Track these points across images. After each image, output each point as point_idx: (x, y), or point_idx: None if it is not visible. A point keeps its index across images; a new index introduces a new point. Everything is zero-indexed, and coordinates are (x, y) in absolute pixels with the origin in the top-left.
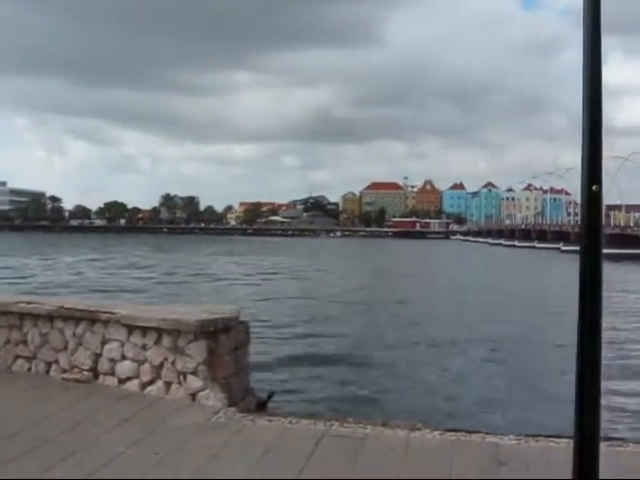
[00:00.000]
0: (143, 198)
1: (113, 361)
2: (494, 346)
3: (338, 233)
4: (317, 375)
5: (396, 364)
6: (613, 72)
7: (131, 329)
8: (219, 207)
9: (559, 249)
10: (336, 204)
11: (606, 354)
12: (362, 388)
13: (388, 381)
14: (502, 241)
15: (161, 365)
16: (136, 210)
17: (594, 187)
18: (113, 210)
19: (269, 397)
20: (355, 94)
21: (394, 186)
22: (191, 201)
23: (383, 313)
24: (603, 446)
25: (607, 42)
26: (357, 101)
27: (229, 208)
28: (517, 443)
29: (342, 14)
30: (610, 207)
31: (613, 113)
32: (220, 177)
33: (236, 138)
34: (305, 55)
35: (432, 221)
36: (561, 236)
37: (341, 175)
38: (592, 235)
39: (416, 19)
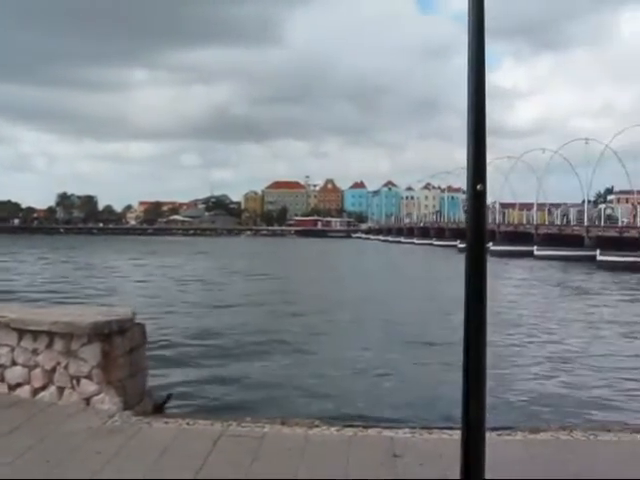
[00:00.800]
0: (39, 197)
1: (2, 367)
2: (387, 339)
3: (248, 232)
4: (217, 376)
5: (294, 364)
6: (505, 76)
7: (22, 333)
8: (118, 207)
9: (456, 247)
10: (238, 203)
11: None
12: (263, 388)
13: (289, 380)
14: (401, 239)
15: (53, 370)
16: (31, 210)
17: (479, 186)
18: (6, 210)
19: (167, 399)
20: (256, 93)
21: (296, 185)
22: (89, 200)
23: (276, 310)
24: (493, 435)
25: (499, 47)
26: (258, 100)
27: (129, 207)
28: (412, 436)
29: (242, 13)
30: (504, 205)
31: (506, 115)
32: (119, 176)
33: (135, 136)
34: (204, 53)
35: (334, 220)
36: (458, 233)
37: (243, 174)
38: (477, 232)
39: (316, 19)
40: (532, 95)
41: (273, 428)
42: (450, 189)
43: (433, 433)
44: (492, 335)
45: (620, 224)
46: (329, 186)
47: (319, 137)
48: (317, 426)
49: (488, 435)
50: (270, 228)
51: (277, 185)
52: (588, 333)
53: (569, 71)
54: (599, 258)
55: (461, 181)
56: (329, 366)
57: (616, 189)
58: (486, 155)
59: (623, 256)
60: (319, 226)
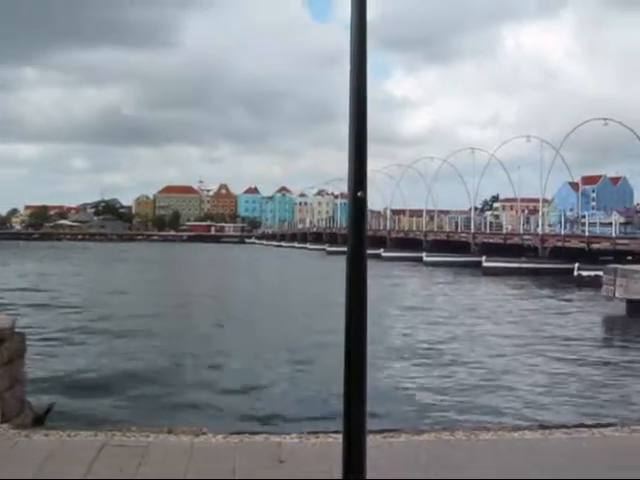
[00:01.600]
0: None
1: None
2: (278, 348)
3: (139, 237)
4: (100, 386)
5: (178, 373)
6: (397, 85)
7: None
8: (2, 210)
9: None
10: (129, 208)
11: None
12: (149, 397)
13: (176, 389)
14: (295, 244)
15: None
16: None
17: (359, 193)
18: None
19: (47, 411)
20: (150, 96)
21: (189, 190)
22: None
23: (163, 321)
24: (378, 437)
25: (392, 57)
26: (151, 103)
27: (14, 211)
28: (299, 441)
29: (136, 16)
30: (395, 212)
31: (398, 123)
32: (4, 178)
33: (21, 138)
34: (97, 54)
35: (227, 225)
36: None
37: (135, 178)
38: (358, 236)
39: (212, 24)
40: (423, 105)
41: (159, 437)
42: (343, 195)
43: (320, 437)
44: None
45: (505, 231)
46: (223, 191)
47: (213, 142)
48: (204, 433)
49: (373, 437)
50: (162, 233)
51: (169, 190)
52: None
53: (457, 82)
54: (484, 264)
55: None
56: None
57: (501, 197)
58: (367, 162)
59: (507, 262)
60: (212, 231)
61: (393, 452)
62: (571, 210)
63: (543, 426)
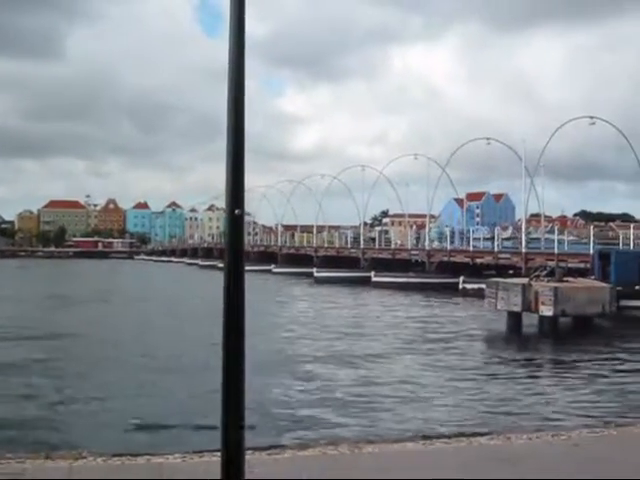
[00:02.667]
0: None
1: None
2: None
3: (22, 253)
4: None
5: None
6: (289, 102)
7: None
8: None
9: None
10: (12, 223)
11: None
12: (25, 424)
13: (49, 414)
14: (185, 259)
15: None
16: None
17: (236, 211)
18: None
19: None
20: (33, 107)
21: (75, 204)
22: None
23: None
24: (263, 455)
25: (283, 75)
26: (36, 115)
27: None
28: (181, 461)
29: (21, 25)
30: (287, 228)
31: (290, 140)
32: None
33: None
34: None
35: (115, 240)
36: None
37: (18, 192)
38: (235, 253)
39: (99, 35)
40: (313, 122)
41: (35, 463)
42: None
43: (204, 456)
44: None
45: (393, 246)
46: (111, 206)
47: (101, 156)
48: (84, 457)
49: (258, 455)
50: (46, 249)
51: (54, 204)
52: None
53: (346, 100)
54: (374, 279)
55: (245, 203)
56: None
57: (390, 212)
58: (244, 180)
59: (395, 277)
60: (100, 247)
61: (278, 469)
62: (447, 226)
63: (425, 436)
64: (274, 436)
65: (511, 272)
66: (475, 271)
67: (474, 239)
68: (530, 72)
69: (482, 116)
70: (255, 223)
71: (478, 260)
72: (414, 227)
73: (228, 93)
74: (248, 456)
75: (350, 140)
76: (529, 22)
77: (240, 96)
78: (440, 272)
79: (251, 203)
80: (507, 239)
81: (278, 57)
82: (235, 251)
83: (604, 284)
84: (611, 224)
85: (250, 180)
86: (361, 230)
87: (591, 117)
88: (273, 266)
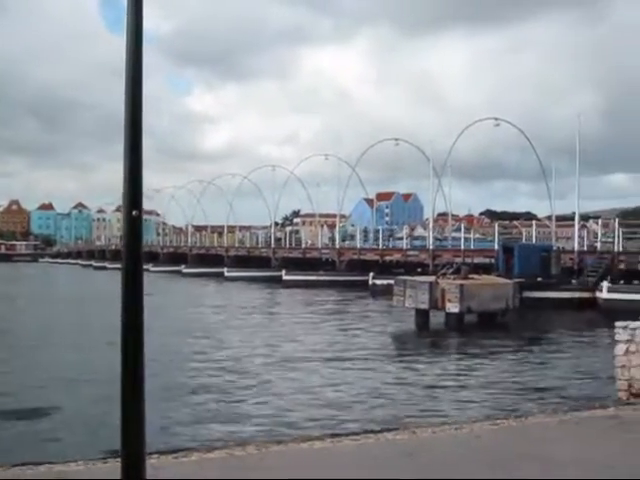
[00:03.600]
0: None
1: None
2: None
3: None
4: None
5: None
6: (197, 101)
7: None
8: None
9: (148, 270)
10: None
11: None
12: None
13: None
14: (93, 262)
15: None
16: None
17: (134, 212)
18: None
19: None
20: None
21: None
22: None
23: None
24: (169, 458)
25: (190, 73)
26: None
27: None
28: (84, 468)
29: None
30: (197, 228)
31: (200, 139)
32: None
33: None
34: None
35: (19, 243)
36: (151, 256)
37: None
38: (133, 254)
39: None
40: (223, 121)
41: None
42: (143, 212)
43: (108, 462)
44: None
45: (304, 245)
46: (14, 207)
47: (2, 155)
48: None
49: (164, 458)
50: None
51: None
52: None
53: (257, 100)
54: (284, 278)
55: (154, 203)
56: None
57: (302, 212)
58: (142, 181)
59: (306, 275)
60: (2, 250)
61: (183, 471)
62: (352, 225)
63: (333, 435)
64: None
65: (419, 270)
66: (385, 269)
67: (383, 238)
68: (437, 74)
69: (391, 117)
70: (165, 224)
71: (387, 258)
72: (324, 227)
73: (125, 90)
74: (154, 460)
75: (261, 140)
76: (435, 25)
77: (138, 93)
78: (350, 270)
79: (161, 204)
80: (416, 238)
81: (184, 55)
82: (132, 252)
83: (507, 280)
84: (515, 222)
85: (159, 180)
86: (272, 230)
87: (496, 119)
88: (183, 267)
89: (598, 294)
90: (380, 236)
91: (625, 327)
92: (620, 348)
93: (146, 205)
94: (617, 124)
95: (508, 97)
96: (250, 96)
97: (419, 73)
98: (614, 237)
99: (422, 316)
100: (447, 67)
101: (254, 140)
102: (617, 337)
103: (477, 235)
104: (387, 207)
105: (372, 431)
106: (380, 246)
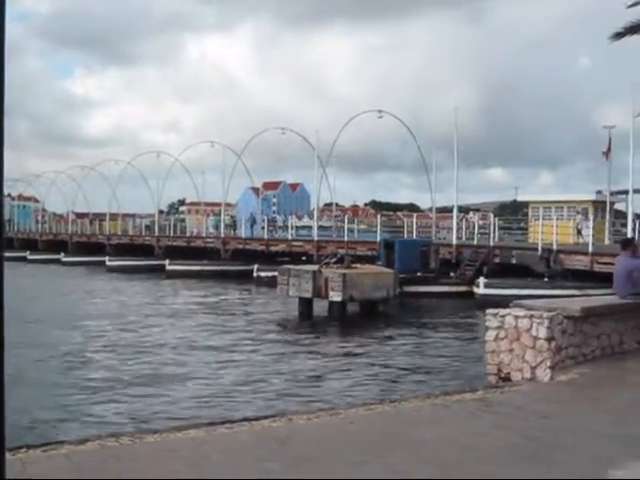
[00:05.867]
0: None
1: None
2: None
3: None
4: None
5: None
6: (78, 85)
7: None
8: None
9: (25, 258)
10: None
11: None
12: None
13: None
14: None
15: None
16: None
17: None
18: None
19: None
20: None
21: None
22: None
23: None
24: (37, 452)
25: (71, 56)
26: None
27: None
28: None
29: None
30: (79, 215)
31: (81, 124)
32: None
33: None
34: None
35: None
36: (29, 244)
37: None
38: None
39: None
40: (106, 106)
41: None
42: (21, 197)
43: None
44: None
45: (189, 234)
46: None
47: None
48: None
49: (32, 452)
50: None
51: None
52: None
53: (140, 86)
54: (168, 267)
55: (33, 189)
56: None
57: (188, 200)
58: (3, 163)
59: (190, 265)
60: None
61: (53, 465)
62: (232, 215)
63: (210, 423)
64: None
65: (304, 259)
66: (270, 258)
67: (269, 227)
68: (322, 66)
69: (278, 106)
70: (45, 210)
71: (273, 248)
72: (210, 215)
73: None
74: (21, 454)
75: (145, 126)
76: (316, 19)
77: None
78: (235, 260)
79: (40, 189)
80: (302, 227)
81: (65, 37)
82: None
83: (389, 270)
84: (398, 213)
85: (39, 165)
86: (156, 218)
87: (380, 111)
88: (62, 255)
89: (475, 289)
90: (265, 226)
91: (495, 314)
92: (490, 334)
93: (24, 191)
94: (495, 120)
95: (391, 91)
96: (134, 81)
97: (304, 64)
98: (490, 230)
99: (305, 305)
100: (331, 60)
101: (138, 126)
102: (487, 324)
103: (362, 226)
104: (274, 196)
105: (248, 419)
106: (265, 236)
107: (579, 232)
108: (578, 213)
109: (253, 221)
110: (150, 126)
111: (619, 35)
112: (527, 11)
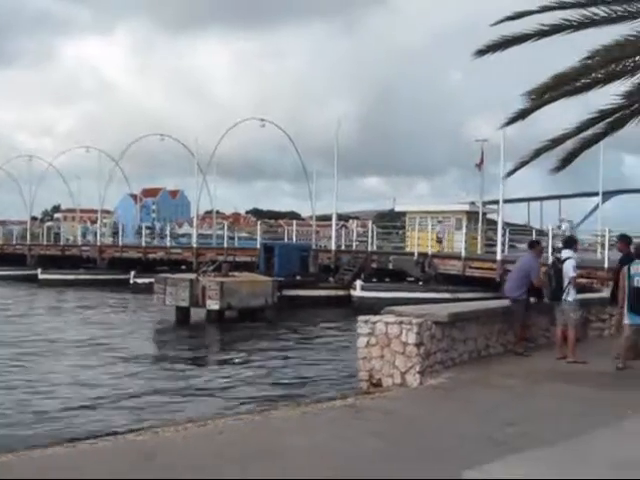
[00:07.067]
0: None
1: None
2: None
3: None
4: None
5: None
6: None
7: None
8: None
9: None
10: None
11: None
12: None
13: None
14: None
15: None
16: None
17: None
18: None
19: None
20: None
21: None
22: None
23: None
24: None
25: None
26: None
27: None
28: None
29: None
30: None
31: None
32: None
33: None
34: None
35: None
36: None
37: None
38: None
39: None
40: None
41: None
42: None
43: None
44: None
45: (64, 242)
46: None
47: None
48: None
49: None
50: None
51: None
52: None
53: (10, 87)
54: (41, 277)
55: None
56: None
57: (63, 207)
58: None
59: (64, 274)
60: None
61: None
62: (102, 223)
63: (71, 439)
64: None
65: (183, 267)
66: (148, 266)
67: (148, 235)
68: (202, 72)
69: (156, 112)
70: None
71: (151, 256)
72: (88, 222)
73: None
74: None
75: (16, 129)
76: (194, 24)
77: None
78: (112, 268)
79: None
80: (182, 235)
81: None
82: None
83: (267, 278)
84: (280, 221)
85: None
86: (28, 225)
87: (262, 119)
88: None
89: (352, 292)
90: (143, 233)
91: (366, 321)
92: (362, 341)
93: None
94: (373, 130)
95: (272, 99)
96: (4, 82)
97: (183, 69)
98: (368, 237)
99: (183, 313)
100: (210, 66)
101: (9, 129)
102: (359, 330)
103: (244, 233)
104: (154, 204)
105: (115, 433)
106: (143, 243)
107: (440, 241)
108: (440, 222)
109: (139, 229)
110: (22, 129)
111: (481, 52)
112: (399, 23)
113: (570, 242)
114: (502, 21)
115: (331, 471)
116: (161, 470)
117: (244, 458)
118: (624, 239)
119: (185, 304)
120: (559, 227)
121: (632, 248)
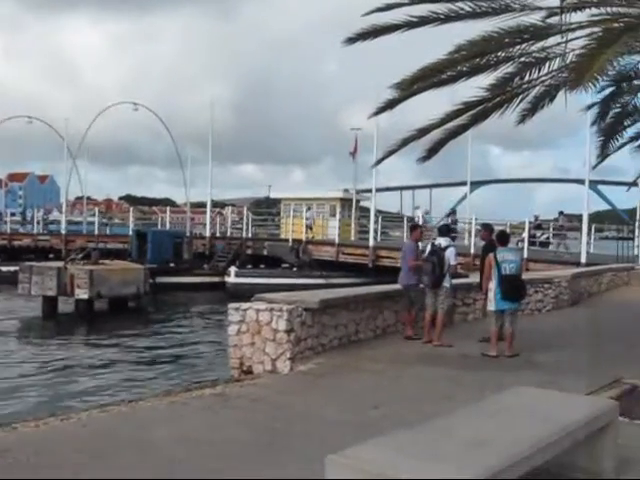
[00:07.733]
0: None
1: None
2: None
3: None
4: None
5: None
6: None
7: None
8: None
9: None
10: None
11: None
12: None
13: None
14: None
15: None
16: None
17: None
18: None
19: None
20: None
21: None
22: None
23: None
24: None
25: None
26: None
27: None
28: None
29: None
30: None
31: None
32: None
33: None
34: None
35: None
36: None
37: None
38: None
39: None
40: None
41: None
42: None
43: None
44: None
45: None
46: None
47: None
48: None
49: None
50: None
51: None
52: None
53: None
54: None
55: None
56: None
57: None
58: None
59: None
60: None
61: None
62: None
63: None
64: None
65: (52, 256)
66: (14, 255)
67: (12, 221)
68: (71, 54)
69: (24, 94)
70: None
71: (16, 243)
72: None
73: None
74: None
75: None
76: (62, 4)
77: None
78: None
79: None
80: (51, 222)
81: None
82: None
83: (139, 266)
84: (154, 208)
85: None
86: None
87: (135, 103)
88: None
89: (227, 278)
90: (8, 219)
91: (237, 308)
92: (233, 328)
93: None
94: (248, 117)
95: (145, 83)
96: None
97: (52, 50)
98: (243, 224)
99: (50, 303)
100: (81, 47)
101: None
102: (230, 318)
103: (117, 220)
104: (21, 189)
105: None
106: (8, 230)
107: (309, 228)
108: (309, 209)
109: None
110: None
111: (352, 40)
112: (275, 12)
113: (444, 230)
114: (373, 12)
115: (199, 462)
116: (12, 468)
117: (108, 452)
118: (487, 228)
119: (52, 293)
120: (414, 215)
121: (494, 236)
